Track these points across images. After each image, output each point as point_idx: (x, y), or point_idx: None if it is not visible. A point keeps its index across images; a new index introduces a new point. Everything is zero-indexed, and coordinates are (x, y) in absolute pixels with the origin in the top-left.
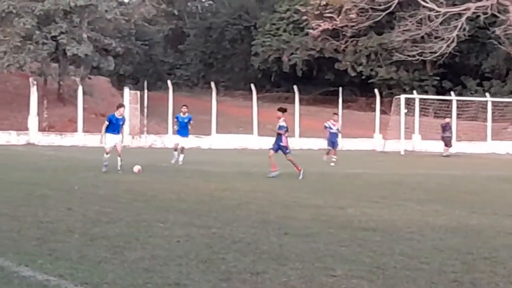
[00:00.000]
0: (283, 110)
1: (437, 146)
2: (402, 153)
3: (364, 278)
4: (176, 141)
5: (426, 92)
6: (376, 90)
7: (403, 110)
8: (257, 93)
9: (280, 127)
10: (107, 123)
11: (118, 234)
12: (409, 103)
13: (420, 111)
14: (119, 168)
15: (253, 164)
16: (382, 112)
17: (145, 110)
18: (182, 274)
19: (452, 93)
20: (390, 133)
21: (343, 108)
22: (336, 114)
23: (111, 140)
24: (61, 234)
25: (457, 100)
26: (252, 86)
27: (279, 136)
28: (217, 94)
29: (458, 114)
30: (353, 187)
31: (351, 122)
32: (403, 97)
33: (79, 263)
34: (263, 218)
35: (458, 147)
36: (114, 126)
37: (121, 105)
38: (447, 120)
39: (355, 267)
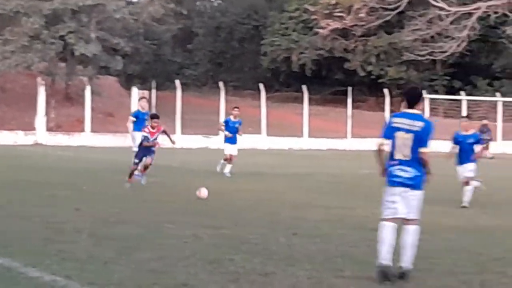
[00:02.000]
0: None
1: (448, 147)
2: None
3: (373, 279)
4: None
5: (436, 92)
6: (385, 90)
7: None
8: (266, 93)
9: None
10: (223, 124)
11: (126, 235)
12: None
13: (430, 111)
14: (227, 172)
15: (262, 164)
16: (392, 112)
17: (153, 110)
18: (190, 275)
19: (462, 92)
20: None
21: (353, 108)
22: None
23: (227, 148)
24: (69, 235)
25: (467, 100)
26: (261, 85)
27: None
28: (226, 94)
29: (468, 114)
30: (363, 188)
31: (361, 122)
32: None
33: (87, 263)
34: (273, 218)
35: None
36: (230, 129)
37: (235, 108)
38: (485, 122)
39: (364, 268)
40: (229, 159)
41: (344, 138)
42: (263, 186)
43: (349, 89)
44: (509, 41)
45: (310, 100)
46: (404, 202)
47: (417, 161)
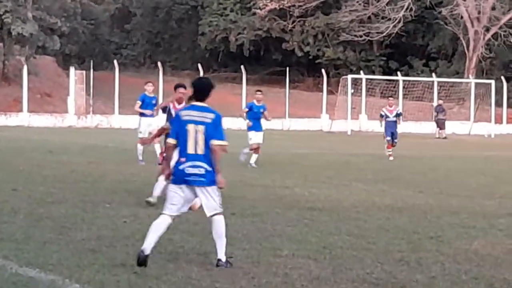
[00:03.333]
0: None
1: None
2: (349, 133)
3: (310, 258)
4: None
5: (373, 72)
6: (323, 70)
7: (349, 90)
8: (204, 73)
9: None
10: (246, 110)
11: (64, 215)
12: (356, 83)
13: (367, 91)
14: (253, 162)
15: None
16: (329, 92)
17: (91, 90)
18: (129, 255)
19: (398, 73)
20: (337, 113)
21: (290, 88)
22: (392, 97)
23: (253, 137)
24: (6, 215)
25: (404, 80)
26: (199, 66)
27: None
28: (164, 74)
29: (404, 94)
30: (300, 167)
31: (299, 102)
32: (349, 77)
33: (24, 243)
34: None
35: (404, 127)
36: (255, 115)
37: (257, 91)
38: (440, 102)
39: (302, 247)
40: (256, 149)
41: (282, 118)
42: None
43: (287, 69)
44: (444, 22)
45: (248, 80)
46: (201, 199)
47: (210, 155)
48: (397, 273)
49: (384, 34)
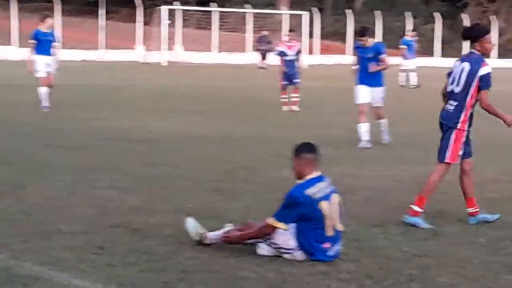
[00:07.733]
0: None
1: (199, 58)
2: (165, 64)
3: (127, 189)
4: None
5: (187, 3)
6: (137, 1)
7: (164, 21)
8: (18, 3)
9: None
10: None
11: None
12: (172, 14)
13: (183, 22)
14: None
15: (17, 75)
16: (146, 23)
17: None
18: None
19: (212, 4)
20: (153, 45)
21: (107, 19)
22: (293, 31)
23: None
24: None
25: (220, 12)
26: None
27: None
28: None
29: (220, 25)
30: (117, 99)
31: (114, 33)
32: (164, 8)
33: None
34: (24, 130)
35: (218, 58)
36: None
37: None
38: (264, 32)
39: (118, 178)
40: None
41: (96, 50)
42: (19, 98)
43: None
44: None
45: (63, 11)
46: None
47: None
48: (212, 202)
49: None
